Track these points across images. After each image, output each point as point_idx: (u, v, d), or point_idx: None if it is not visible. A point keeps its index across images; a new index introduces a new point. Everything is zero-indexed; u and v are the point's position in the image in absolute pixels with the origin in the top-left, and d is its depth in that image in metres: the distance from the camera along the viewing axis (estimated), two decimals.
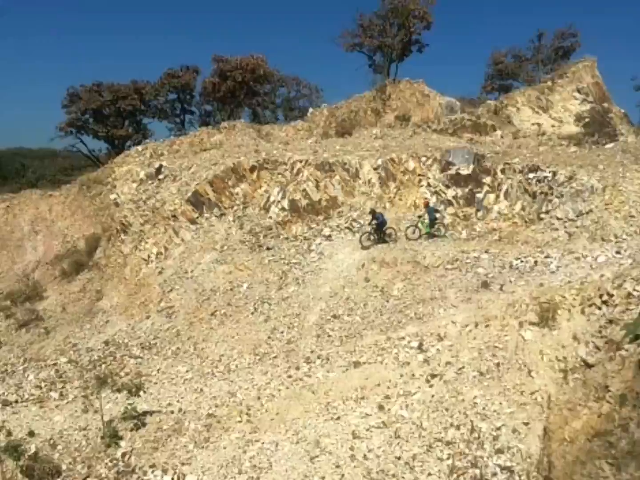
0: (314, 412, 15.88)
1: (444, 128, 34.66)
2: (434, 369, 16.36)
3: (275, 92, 54.26)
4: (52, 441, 17.63)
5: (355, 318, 21.21)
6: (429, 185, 27.95)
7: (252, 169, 30.10)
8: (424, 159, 28.48)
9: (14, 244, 36.18)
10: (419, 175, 28.28)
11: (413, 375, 16.38)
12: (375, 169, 28.80)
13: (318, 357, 19.14)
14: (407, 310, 20.44)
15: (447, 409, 14.78)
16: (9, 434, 16.80)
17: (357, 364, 17.80)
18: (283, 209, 28.59)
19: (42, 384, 22.54)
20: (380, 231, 25.73)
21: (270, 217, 28.53)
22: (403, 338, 18.33)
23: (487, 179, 26.95)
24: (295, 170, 29.51)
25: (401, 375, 16.50)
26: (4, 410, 20.40)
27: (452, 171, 27.50)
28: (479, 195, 26.86)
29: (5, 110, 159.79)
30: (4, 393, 22.33)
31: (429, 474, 13.05)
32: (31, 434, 18.00)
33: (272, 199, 29.06)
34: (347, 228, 27.02)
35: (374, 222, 25.73)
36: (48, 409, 20.57)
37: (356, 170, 28.95)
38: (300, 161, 29.72)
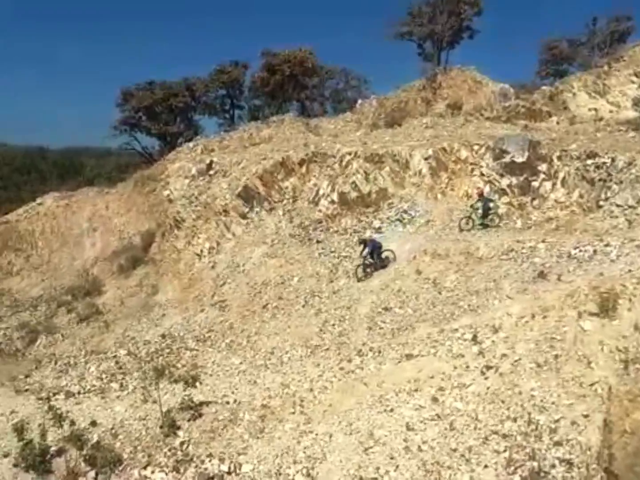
0: (366, 404, 15.78)
1: (497, 115, 33.89)
2: (489, 361, 16.02)
3: (324, 84, 53.99)
4: (113, 431, 18.01)
5: (407, 310, 20.99)
6: (482, 174, 27.33)
7: (301, 162, 30.14)
8: (476, 147, 27.85)
9: (74, 240, 37.27)
10: (472, 164, 27.68)
11: (467, 367, 16.09)
12: (426, 159, 28.35)
13: (370, 350, 18.99)
14: (460, 302, 20.09)
15: (503, 401, 14.47)
16: (73, 423, 17.20)
17: (409, 356, 17.59)
18: (332, 201, 28.50)
19: (103, 376, 23.12)
20: (377, 257, 24.37)
21: (320, 211, 28.49)
22: (456, 330, 18.00)
23: (543, 167, 26.21)
24: (344, 163, 29.36)
25: (455, 367, 16.22)
26: (68, 401, 20.95)
27: (507, 159, 26.76)
28: (535, 184, 26.16)
29: (63, 110, 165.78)
30: (67, 384, 23.01)
31: (485, 466, 12.81)
32: (93, 423, 18.44)
33: (321, 192, 29.01)
34: (398, 220, 26.72)
35: (367, 251, 24.32)
36: (109, 400, 21.03)
37: (406, 161, 28.57)
38: (349, 153, 29.55)
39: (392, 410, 15.15)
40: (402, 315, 20.71)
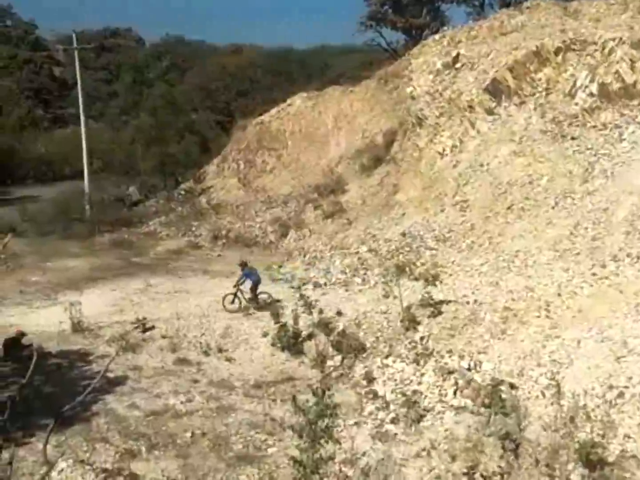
0: (621, 312, 14.59)
1: None
2: None
3: None
4: (357, 321, 19.12)
5: None
6: None
7: (557, 51, 27.37)
8: None
9: (320, 139, 38.80)
10: None
11: None
12: None
13: (627, 256, 17.38)
14: None
15: None
16: (321, 312, 18.58)
17: None
18: (591, 94, 25.63)
19: (347, 270, 24.32)
20: (253, 292, 21.47)
21: (576, 104, 25.85)
22: None
23: None
24: (606, 51, 26.05)
25: None
26: (315, 291, 22.58)
27: None
28: None
29: (310, 11, 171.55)
30: (314, 276, 24.70)
31: None
32: (339, 313, 19.74)
33: (578, 83, 26.20)
34: None
35: (242, 279, 21.60)
36: (352, 292, 22.28)
37: None
38: (613, 39, 26.08)
39: None
40: None
